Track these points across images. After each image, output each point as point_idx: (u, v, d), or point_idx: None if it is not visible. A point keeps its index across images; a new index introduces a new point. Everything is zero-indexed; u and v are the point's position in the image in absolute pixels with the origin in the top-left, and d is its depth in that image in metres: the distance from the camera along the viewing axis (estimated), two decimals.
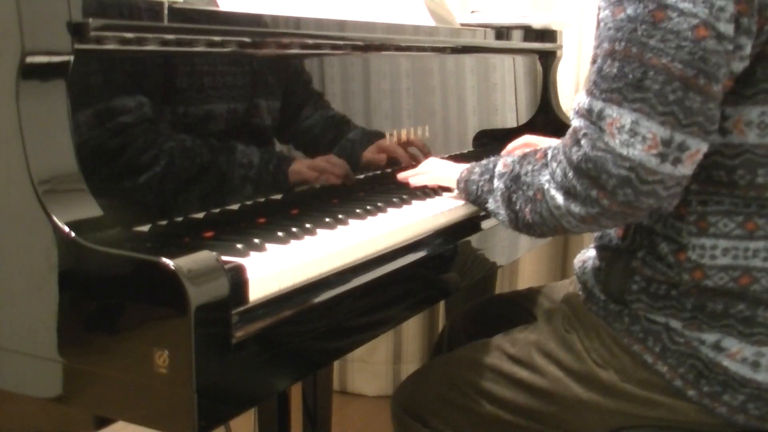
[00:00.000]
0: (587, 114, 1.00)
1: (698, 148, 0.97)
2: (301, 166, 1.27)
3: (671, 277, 1.08)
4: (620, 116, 0.97)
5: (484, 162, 1.25)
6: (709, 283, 1.05)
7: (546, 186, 1.06)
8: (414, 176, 1.41)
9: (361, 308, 1.06)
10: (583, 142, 1.00)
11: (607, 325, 1.13)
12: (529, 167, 1.11)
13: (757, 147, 1.03)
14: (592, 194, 1.00)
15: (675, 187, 0.99)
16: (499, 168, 1.18)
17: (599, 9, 1.04)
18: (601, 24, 1.02)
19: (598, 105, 0.99)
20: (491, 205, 1.19)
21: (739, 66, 0.99)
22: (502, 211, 1.16)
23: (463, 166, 1.31)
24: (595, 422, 1.15)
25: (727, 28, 0.96)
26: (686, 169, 0.97)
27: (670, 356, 1.08)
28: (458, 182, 1.30)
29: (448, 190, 1.39)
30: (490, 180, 1.20)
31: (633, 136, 0.96)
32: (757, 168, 1.03)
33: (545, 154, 1.09)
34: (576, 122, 1.03)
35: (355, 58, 1.40)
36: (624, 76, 0.97)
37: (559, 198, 1.04)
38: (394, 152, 1.48)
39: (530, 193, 1.09)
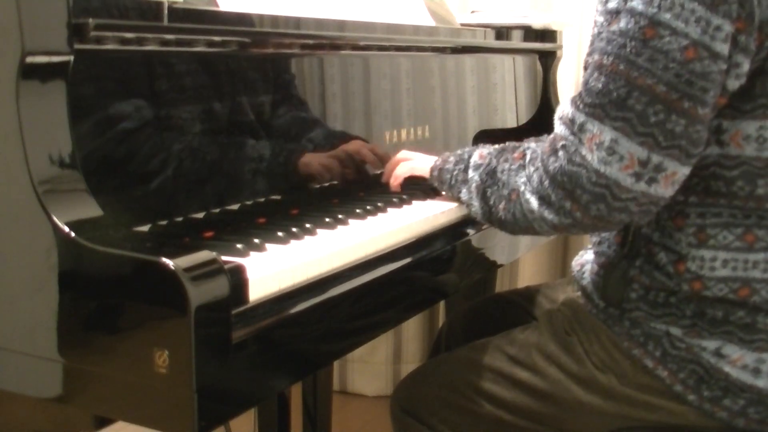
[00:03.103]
0: (570, 124, 1.01)
1: (675, 170, 0.97)
2: (310, 161, 1.28)
3: (670, 287, 1.07)
4: (601, 132, 0.97)
5: (459, 152, 1.24)
6: (708, 293, 1.05)
7: (522, 188, 1.06)
8: (390, 173, 1.37)
9: (361, 308, 1.06)
10: (560, 153, 1.00)
11: (607, 328, 1.13)
12: (506, 165, 1.11)
13: (754, 160, 1.03)
14: (566, 206, 1.01)
15: (648, 205, 0.99)
16: (475, 159, 1.18)
17: (596, 12, 1.03)
18: (595, 30, 1.02)
19: (580, 117, 0.99)
20: (464, 195, 1.19)
21: (734, 84, 0.99)
22: (476, 203, 1.16)
23: (435, 156, 1.30)
24: (595, 424, 1.15)
25: (723, 48, 0.95)
26: (662, 189, 0.97)
27: (671, 361, 1.08)
28: (432, 170, 1.28)
29: None
30: (465, 170, 1.19)
31: (611, 155, 0.96)
32: (756, 179, 1.03)
33: (524, 155, 1.09)
34: (558, 129, 1.03)
35: (355, 58, 1.40)
36: (609, 92, 0.97)
37: (534, 202, 1.04)
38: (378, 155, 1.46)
39: (505, 192, 1.10)
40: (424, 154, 1.37)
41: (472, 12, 2.03)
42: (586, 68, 1.02)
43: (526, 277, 2.41)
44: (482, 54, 1.79)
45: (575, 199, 0.99)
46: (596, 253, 1.18)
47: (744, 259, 1.04)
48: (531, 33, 1.97)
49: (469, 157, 1.20)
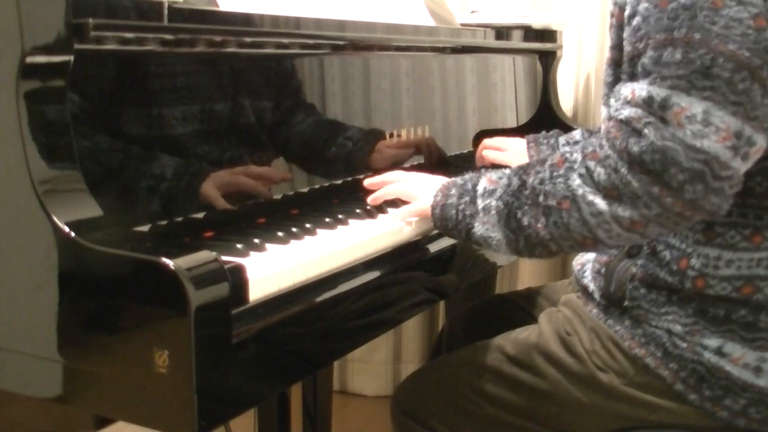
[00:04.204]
0: (645, 104, 0.92)
1: (761, 144, 0.93)
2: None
3: (672, 284, 1.07)
4: (690, 105, 0.90)
5: (460, 182, 1.11)
6: (710, 292, 1.05)
7: (579, 191, 0.96)
8: (378, 186, 1.24)
9: (361, 309, 1.06)
10: (646, 131, 0.91)
11: (608, 328, 1.13)
12: (544, 175, 1.00)
13: None
14: (653, 192, 0.91)
15: (736, 186, 0.94)
16: (485, 185, 1.06)
17: (626, 6, 0.99)
18: (638, 18, 0.96)
19: (662, 93, 0.91)
20: (479, 229, 1.06)
21: None
22: (496, 234, 1.04)
23: (435, 186, 1.14)
24: (596, 424, 1.15)
25: None
26: (745, 167, 0.93)
27: (672, 360, 1.07)
28: (433, 208, 1.12)
29: None
30: (473, 201, 1.07)
31: (706, 126, 0.89)
32: None
33: (565, 159, 1.00)
34: (629, 112, 0.94)
35: (355, 58, 1.40)
36: (690, 62, 0.91)
37: (600, 202, 0.95)
38: (397, 152, 1.47)
39: (551, 202, 0.98)
40: (421, 180, 1.21)
41: (472, 12, 2.03)
42: (633, 58, 0.95)
43: (526, 278, 2.41)
44: (482, 54, 1.79)
45: (666, 181, 0.90)
46: (598, 252, 1.18)
47: (749, 258, 1.04)
48: (531, 33, 1.97)
49: (475, 185, 1.08)
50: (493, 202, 1.04)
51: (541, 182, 1.00)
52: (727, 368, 1.05)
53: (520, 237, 1.03)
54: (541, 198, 1.00)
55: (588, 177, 0.96)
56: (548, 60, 2.07)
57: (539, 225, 1.00)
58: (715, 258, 1.04)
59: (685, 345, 1.07)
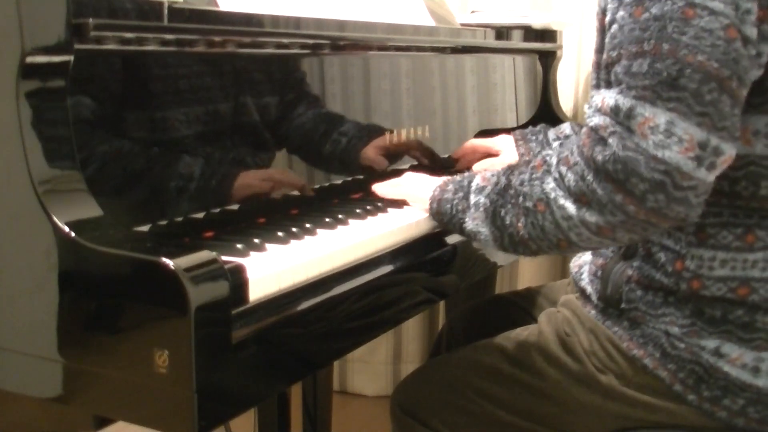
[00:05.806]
0: (612, 113, 0.94)
1: (730, 154, 0.93)
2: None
3: (668, 286, 1.07)
4: (654, 115, 0.91)
5: (458, 178, 1.16)
6: (706, 293, 1.05)
7: (552, 195, 0.99)
8: (384, 188, 1.32)
9: (361, 309, 1.06)
10: (611, 140, 0.93)
11: (606, 329, 1.13)
12: (524, 177, 1.04)
13: (763, 158, 1.01)
14: (617, 199, 0.93)
15: (703, 195, 0.94)
16: (477, 182, 1.11)
17: (606, 11, 1.01)
18: (615, 26, 0.98)
19: (627, 103, 0.93)
20: (469, 224, 1.10)
21: (757, 74, 0.96)
22: (484, 230, 1.08)
23: (437, 183, 1.20)
24: (595, 425, 1.15)
25: (752, 32, 0.93)
26: (713, 176, 0.93)
27: (670, 361, 1.08)
28: (431, 201, 1.18)
29: None
30: (465, 197, 1.11)
31: (669, 137, 0.90)
32: (760, 180, 1.02)
33: (544, 161, 1.03)
34: (598, 120, 0.96)
35: (355, 58, 1.40)
36: (657, 73, 0.92)
37: (570, 207, 0.97)
38: (396, 152, 1.48)
39: (528, 204, 1.02)
40: (427, 179, 1.26)
41: (472, 12, 2.03)
42: (608, 66, 0.97)
43: (526, 278, 2.41)
44: (482, 54, 1.79)
45: (629, 190, 0.92)
46: (594, 254, 1.18)
47: (743, 259, 1.04)
48: (531, 33, 1.97)
49: (470, 182, 1.12)
50: (482, 199, 1.08)
51: (521, 183, 1.03)
52: (725, 368, 1.05)
53: (504, 234, 1.06)
54: (520, 199, 1.03)
55: (561, 181, 0.99)
56: (548, 60, 2.07)
57: (519, 224, 1.03)
58: (709, 259, 1.04)
59: (683, 346, 1.07)
